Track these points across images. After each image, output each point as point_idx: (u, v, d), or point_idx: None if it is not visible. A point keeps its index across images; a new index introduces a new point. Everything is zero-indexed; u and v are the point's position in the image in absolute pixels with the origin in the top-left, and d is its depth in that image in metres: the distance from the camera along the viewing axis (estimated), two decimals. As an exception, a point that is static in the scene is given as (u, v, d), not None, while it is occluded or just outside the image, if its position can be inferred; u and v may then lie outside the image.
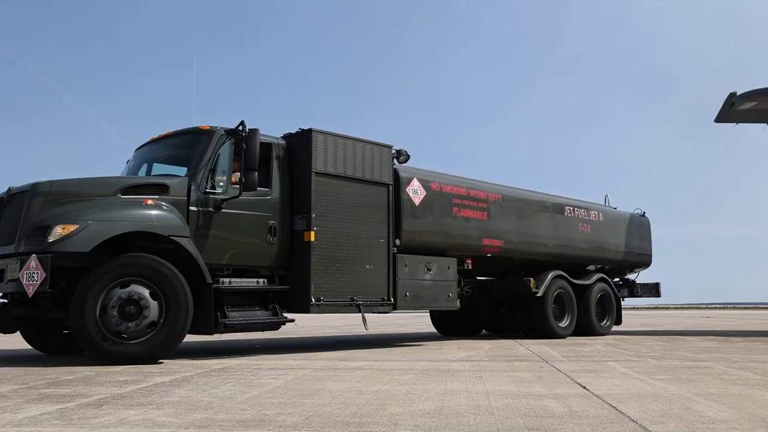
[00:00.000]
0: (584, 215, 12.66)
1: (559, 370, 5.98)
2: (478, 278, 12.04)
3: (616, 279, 13.98)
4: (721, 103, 13.39)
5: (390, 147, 9.22)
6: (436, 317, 13.17)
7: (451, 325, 12.97)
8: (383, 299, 8.80)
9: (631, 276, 14.44)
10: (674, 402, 4.07)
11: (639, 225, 14.22)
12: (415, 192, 9.49)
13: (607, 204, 14.26)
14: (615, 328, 13.28)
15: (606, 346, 9.42)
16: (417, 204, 9.44)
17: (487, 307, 12.63)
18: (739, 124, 14.17)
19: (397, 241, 9.04)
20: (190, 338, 12.10)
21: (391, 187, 9.13)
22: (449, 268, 9.80)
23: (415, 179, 9.53)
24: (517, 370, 6.09)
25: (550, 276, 11.42)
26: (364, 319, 8.59)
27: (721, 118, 13.82)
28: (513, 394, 4.41)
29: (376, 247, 8.77)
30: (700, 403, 4.04)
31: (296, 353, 8.31)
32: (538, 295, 11.14)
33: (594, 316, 12.29)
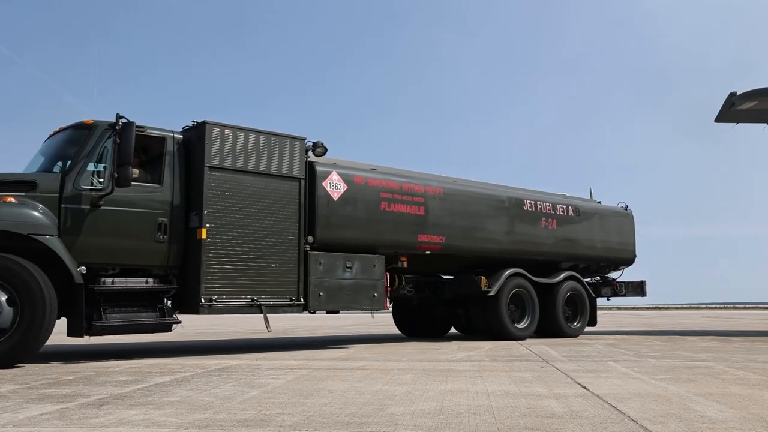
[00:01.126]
0: (549, 209, 11.94)
1: (559, 370, 5.98)
2: (440, 276, 11.65)
3: (597, 278, 13.49)
4: (721, 103, 13.41)
5: (302, 139, 8.78)
6: (398, 318, 12.77)
7: (411, 326, 12.61)
8: (292, 299, 8.36)
9: (615, 274, 13.73)
10: (674, 402, 4.07)
11: (620, 220, 13.42)
12: (334, 186, 8.98)
13: (591, 198, 13.66)
14: (603, 328, 13.24)
15: (606, 346, 9.42)
16: (336, 199, 8.94)
17: (445, 307, 12.24)
18: (739, 124, 14.18)
19: (310, 238, 8.59)
20: (190, 338, 12.11)
21: (303, 181, 8.66)
22: (375, 266, 9.26)
23: (334, 173, 9.04)
24: (517, 370, 6.08)
25: (505, 274, 10.87)
26: (266, 320, 8.18)
27: (721, 117, 13.82)
28: (513, 394, 4.41)
29: (285, 244, 8.34)
30: (700, 403, 4.04)
31: (296, 353, 8.31)
32: (490, 294, 10.59)
33: (561, 316, 11.64)
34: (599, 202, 13.57)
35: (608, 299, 13.57)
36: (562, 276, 11.90)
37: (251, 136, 8.28)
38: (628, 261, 13.46)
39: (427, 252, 10.10)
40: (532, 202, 11.76)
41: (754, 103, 13.03)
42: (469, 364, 6.64)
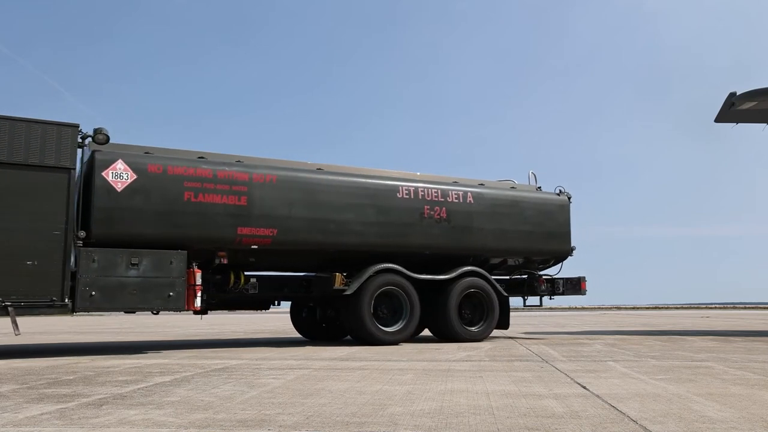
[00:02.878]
0: (436, 197, 10.60)
1: (559, 370, 5.98)
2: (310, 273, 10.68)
3: (524, 274, 12.05)
4: (721, 104, 13.42)
5: (75, 126, 8.06)
6: (295, 319, 12.02)
7: (306, 328, 11.91)
8: (53, 300, 7.70)
9: (553, 270, 12.19)
10: (674, 402, 4.08)
11: (549, 208, 11.82)
12: (119, 176, 8.24)
13: (531, 183, 12.32)
14: (603, 328, 12.96)
15: (606, 346, 9.42)
16: (120, 190, 8.21)
17: (324, 308, 11.35)
18: (739, 124, 14.20)
19: (82, 233, 7.94)
20: (190, 338, 12.09)
21: (73, 171, 7.97)
22: (172, 263, 8.43)
23: (119, 161, 8.28)
24: (517, 370, 6.09)
25: (370, 271, 9.80)
26: (14, 322, 7.57)
27: (721, 118, 13.84)
28: (513, 394, 4.42)
29: (47, 240, 7.70)
30: (700, 403, 4.04)
31: (296, 353, 8.31)
32: (347, 293, 9.63)
33: (454, 317, 10.41)
34: (539, 188, 12.19)
35: (551, 298, 12.11)
36: (456, 272, 10.59)
37: (4, 123, 7.64)
38: (562, 254, 11.95)
39: (254, 247, 9.14)
40: (411, 189, 10.48)
41: (754, 103, 13.05)
42: (469, 364, 6.64)
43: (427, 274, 10.42)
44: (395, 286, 10.08)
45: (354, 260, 10.08)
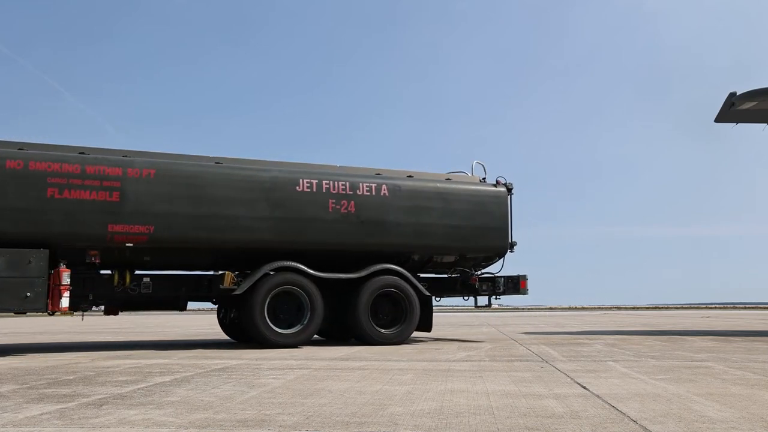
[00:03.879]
0: (344, 189, 9.83)
1: (559, 370, 5.98)
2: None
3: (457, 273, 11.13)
4: (721, 104, 13.43)
5: None
6: (220, 321, 11.63)
7: (227, 329, 11.52)
8: None
9: (494, 268, 11.27)
10: (674, 402, 4.07)
11: (483, 200, 10.86)
12: None
13: (474, 174, 11.32)
14: (603, 328, 12.82)
15: (606, 346, 9.42)
16: None
17: (229, 309, 10.92)
18: (739, 124, 14.20)
19: None
20: (190, 338, 12.07)
21: None
22: (31, 262, 8.03)
23: None
24: (517, 370, 6.09)
25: (264, 269, 9.27)
26: None
27: (721, 118, 13.84)
28: (513, 394, 4.42)
29: None
30: (700, 403, 4.04)
31: (296, 353, 8.31)
32: (237, 292, 9.17)
33: (364, 319, 9.68)
34: (484, 179, 11.23)
35: (497, 298, 11.26)
36: (367, 271, 9.83)
37: None
38: (499, 250, 10.97)
39: (129, 245, 8.68)
40: (313, 182, 9.74)
41: (754, 103, 13.05)
42: (469, 364, 6.64)
43: (345, 272, 9.78)
44: (295, 286, 9.42)
45: (255, 258, 9.43)
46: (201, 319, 33.51)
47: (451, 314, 48.13)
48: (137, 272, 9.35)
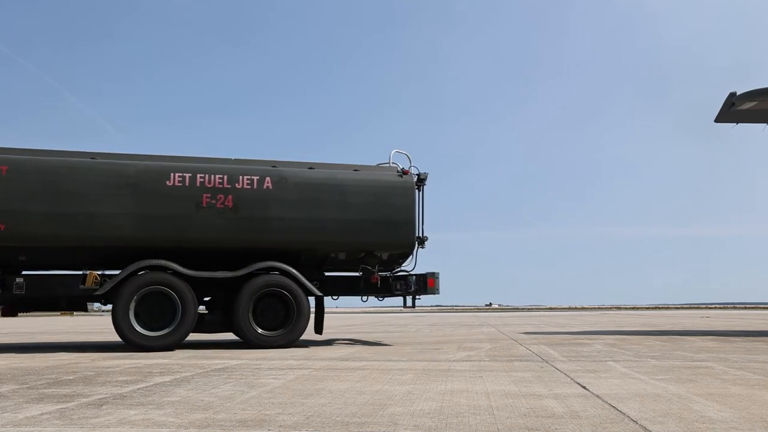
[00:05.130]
0: (220, 183, 9.29)
1: (559, 370, 5.98)
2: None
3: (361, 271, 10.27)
4: (721, 104, 13.43)
5: None
6: None
7: None
8: None
9: (409, 267, 10.48)
10: (674, 402, 4.07)
11: (386, 192, 9.98)
12: None
13: (393, 164, 10.44)
14: (603, 328, 12.83)
15: (606, 346, 9.42)
16: None
17: None
18: (739, 124, 14.20)
19: None
20: (190, 338, 12.11)
21: None
22: None
23: None
24: (517, 370, 6.08)
25: (130, 268, 8.85)
26: None
27: (721, 118, 13.83)
28: (513, 394, 4.42)
29: None
30: (700, 403, 4.04)
31: (296, 353, 8.31)
32: (98, 293, 8.86)
33: (245, 320, 9.15)
34: (402, 170, 10.32)
35: (419, 298, 10.49)
36: (248, 269, 9.30)
37: None
38: (404, 246, 10.13)
39: None
40: (186, 175, 9.22)
41: (754, 103, 13.05)
42: (469, 364, 6.64)
43: (228, 270, 9.32)
44: (165, 286, 8.94)
45: (131, 257, 9.00)
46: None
47: (451, 314, 48.12)
48: (24, 273, 9.16)
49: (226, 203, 9.30)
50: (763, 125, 14.31)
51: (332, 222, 9.68)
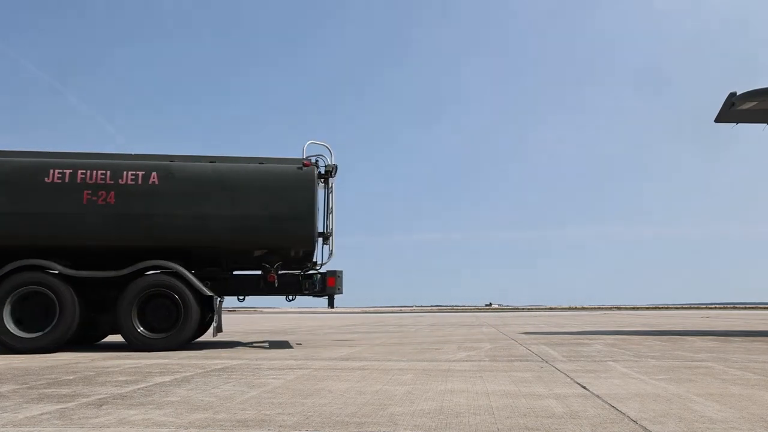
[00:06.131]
0: (103, 178, 8.99)
1: (558, 370, 5.98)
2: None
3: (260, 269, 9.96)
4: (721, 104, 13.43)
5: None
6: None
7: None
8: None
9: (321, 265, 10.03)
10: (674, 402, 4.08)
11: (282, 185, 9.46)
12: None
13: (306, 156, 9.87)
14: (603, 328, 12.84)
15: (606, 346, 9.42)
16: None
17: None
18: (739, 124, 14.20)
19: None
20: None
21: None
22: None
23: None
24: (517, 370, 6.08)
25: (6, 268, 8.67)
26: None
27: (721, 118, 13.84)
28: (513, 394, 4.42)
29: None
30: (700, 403, 4.04)
31: (296, 353, 8.31)
32: None
33: (127, 321, 8.83)
34: (315, 162, 9.80)
35: (332, 299, 10.20)
36: (132, 269, 9.02)
37: None
38: (301, 242, 9.48)
39: None
40: (66, 171, 8.96)
41: (754, 104, 13.05)
42: (469, 364, 6.64)
43: (117, 270, 9.05)
44: (42, 286, 8.72)
45: (10, 256, 8.80)
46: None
47: (450, 314, 48.13)
48: None
49: (108, 200, 9.01)
50: (763, 125, 14.31)
51: (222, 218, 9.22)
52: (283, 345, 10.30)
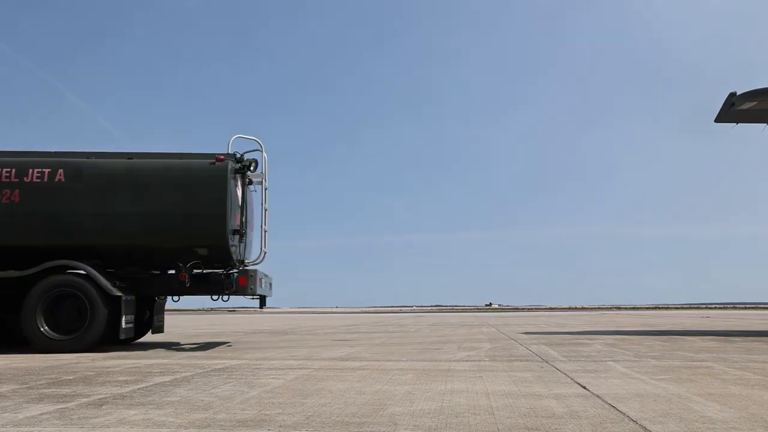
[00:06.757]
0: (7, 177, 8.88)
1: (559, 370, 5.98)
2: None
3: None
4: (721, 104, 13.44)
5: None
6: None
7: None
8: None
9: (238, 266, 9.69)
10: (674, 402, 4.07)
11: (193, 182, 9.18)
12: None
13: (230, 151, 9.63)
14: (603, 328, 12.90)
15: (606, 346, 9.42)
16: None
17: None
18: (739, 124, 14.21)
19: None
20: (190, 338, 12.08)
21: None
22: None
23: None
24: (517, 370, 6.08)
25: None
26: None
27: (721, 118, 13.85)
28: (513, 394, 4.42)
29: None
30: (700, 403, 4.04)
31: (296, 353, 8.31)
32: None
33: (31, 322, 8.62)
34: (215, 159, 9.35)
35: (264, 300, 10.14)
36: (38, 268, 8.79)
37: None
38: (212, 240, 9.15)
39: None
40: None
41: (754, 104, 13.06)
42: (469, 364, 6.64)
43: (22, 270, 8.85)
44: None
45: None
46: (201, 319, 33.54)
47: (451, 314, 48.14)
48: None
49: (12, 198, 8.83)
50: (763, 125, 14.32)
51: (132, 216, 9.00)
52: (217, 345, 10.30)
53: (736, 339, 11.22)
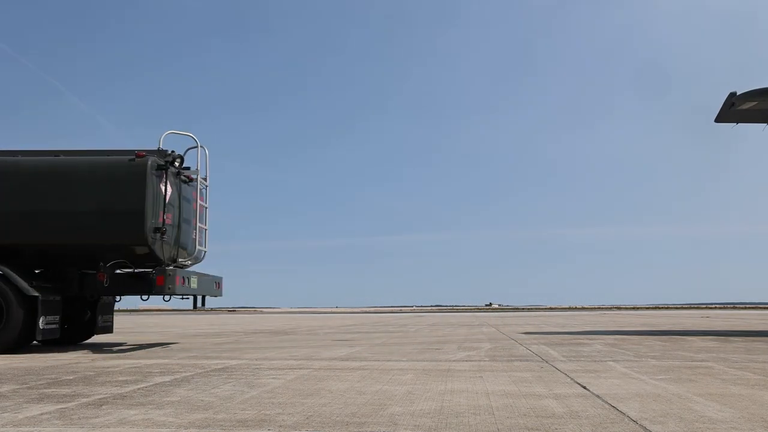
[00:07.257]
0: None
1: (559, 370, 5.98)
2: None
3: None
4: (721, 104, 13.45)
5: None
6: None
7: None
8: None
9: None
10: (674, 402, 4.08)
11: (110, 178, 9.05)
12: None
13: (161, 147, 9.49)
14: (603, 328, 12.91)
15: (606, 346, 9.42)
16: None
17: None
18: (739, 124, 14.22)
19: None
20: (190, 339, 12.11)
21: None
22: None
23: None
24: (517, 370, 6.09)
25: None
26: None
27: (721, 118, 13.86)
28: (513, 394, 4.42)
29: None
30: (700, 403, 4.04)
31: (296, 353, 8.31)
32: None
33: None
34: (135, 155, 9.20)
35: (200, 299, 10.15)
36: None
37: None
38: (131, 238, 8.99)
39: None
40: None
41: (754, 103, 13.07)
42: (469, 364, 6.64)
43: None
44: None
45: None
46: (201, 319, 33.56)
47: (451, 314, 48.14)
48: None
49: None
50: (763, 125, 14.33)
51: (53, 215, 8.90)
52: (217, 345, 10.30)
53: (736, 339, 11.22)
